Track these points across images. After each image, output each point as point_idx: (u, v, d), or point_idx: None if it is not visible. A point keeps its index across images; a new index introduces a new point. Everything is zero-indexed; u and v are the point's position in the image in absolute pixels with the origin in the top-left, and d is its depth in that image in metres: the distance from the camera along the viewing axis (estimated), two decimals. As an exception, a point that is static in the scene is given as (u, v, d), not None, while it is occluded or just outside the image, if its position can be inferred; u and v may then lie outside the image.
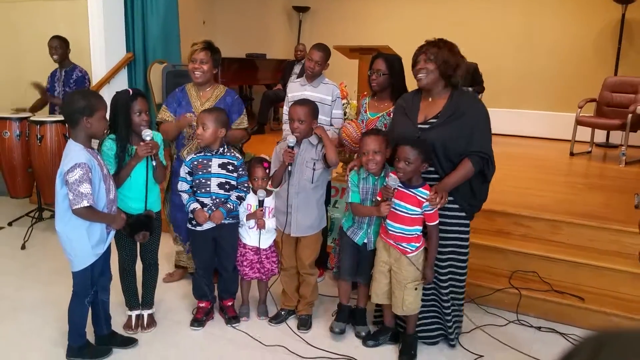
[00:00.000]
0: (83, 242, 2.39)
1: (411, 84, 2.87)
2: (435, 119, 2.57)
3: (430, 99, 2.62)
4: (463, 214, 2.64)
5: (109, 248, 2.55)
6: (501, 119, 6.88)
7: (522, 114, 6.98)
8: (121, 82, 5.28)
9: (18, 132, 4.29)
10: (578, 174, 5.30)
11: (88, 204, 2.26)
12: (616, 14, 6.42)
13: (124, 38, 5.43)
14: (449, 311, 2.72)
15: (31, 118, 4.32)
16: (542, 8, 7.05)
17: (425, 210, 2.50)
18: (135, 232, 2.67)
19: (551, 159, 5.76)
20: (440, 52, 2.50)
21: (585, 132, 5.86)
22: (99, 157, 2.45)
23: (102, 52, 5.24)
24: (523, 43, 7.17)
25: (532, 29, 7.11)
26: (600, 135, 6.27)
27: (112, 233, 2.55)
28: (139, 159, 2.62)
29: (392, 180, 2.47)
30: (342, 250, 2.88)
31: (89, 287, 2.51)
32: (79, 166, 2.26)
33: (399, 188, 2.50)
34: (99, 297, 2.62)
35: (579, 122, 5.69)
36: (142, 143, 2.60)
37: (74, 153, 2.31)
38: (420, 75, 2.56)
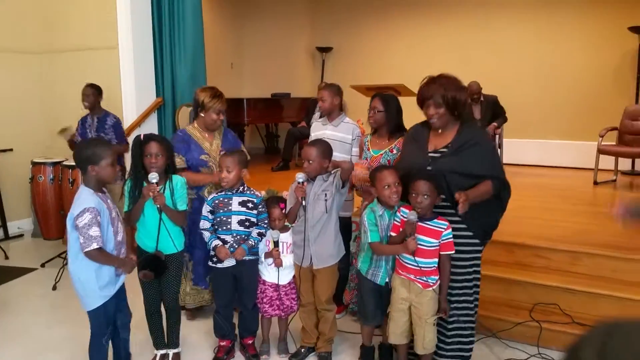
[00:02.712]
0: (92, 283, 2.48)
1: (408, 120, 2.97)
2: (445, 149, 2.61)
3: (439, 131, 2.67)
4: (477, 240, 2.65)
5: (122, 287, 2.64)
6: (524, 149, 6.91)
7: (544, 144, 6.97)
8: (151, 126, 5.51)
9: (52, 176, 4.52)
10: (601, 203, 5.25)
11: (98, 246, 2.37)
12: (633, 43, 6.46)
13: (154, 84, 5.68)
14: (450, 344, 2.70)
15: (64, 163, 4.55)
16: (561, 40, 7.13)
17: (442, 241, 2.54)
18: (140, 269, 2.76)
19: (574, 189, 5.72)
20: (447, 93, 2.53)
21: (610, 160, 5.82)
22: (108, 200, 2.56)
23: (132, 98, 5.49)
24: (543, 74, 7.24)
25: (552, 60, 7.18)
26: (625, 163, 6.21)
27: (123, 277, 2.63)
28: (145, 199, 2.75)
29: (412, 214, 2.49)
30: (364, 295, 2.88)
31: (104, 326, 2.59)
32: (88, 210, 2.37)
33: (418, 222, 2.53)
34: (120, 335, 2.70)
35: (600, 150, 5.67)
36: (145, 186, 2.74)
37: (83, 198, 2.43)
38: (432, 120, 2.61)
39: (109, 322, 2.63)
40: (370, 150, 3.24)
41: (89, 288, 2.50)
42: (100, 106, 4.80)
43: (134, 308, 2.85)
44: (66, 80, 5.85)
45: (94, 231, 2.37)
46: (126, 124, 5.31)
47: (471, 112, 6.35)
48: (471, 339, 2.76)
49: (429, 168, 2.59)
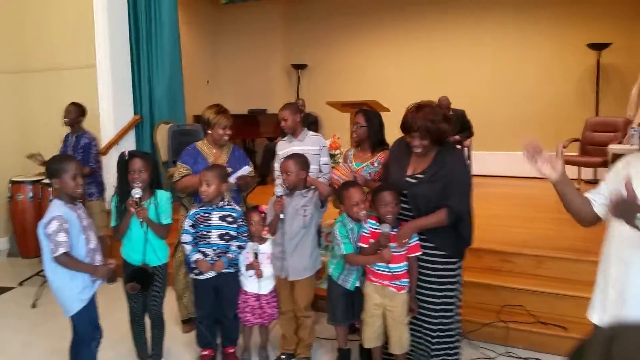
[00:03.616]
0: (67, 289, 2.63)
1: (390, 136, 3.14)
2: (422, 175, 2.74)
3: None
4: (447, 253, 2.76)
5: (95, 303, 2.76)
6: (490, 161, 7.19)
7: (510, 156, 7.26)
8: (129, 143, 5.57)
9: (31, 195, 4.55)
10: (563, 210, 5.47)
11: (64, 251, 2.51)
12: (592, 59, 6.84)
13: (132, 101, 5.76)
14: (437, 350, 2.81)
15: (43, 181, 4.60)
16: (525, 57, 7.49)
17: (409, 244, 2.71)
18: (127, 282, 2.88)
19: (539, 197, 5.95)
20: (433, 126, 2.63)
21: (573, 170, 6.10)
22: (79, 210, 2.70)
23: (110, 116, 5.55)
24: (509, 89, 7.57)
25: (517, 76, 7.51)
26: (587, 173, 6.50)
27: (98, 283, 2.74)
28: (131, 213, 2.87)
29: (385, 227, 2.64)
30: (334, 298, 3.03)
31: (90, 330, 2.72)
32: (55, 218, 2.53)
33: (394, 232, 2.67)
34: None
35: (564, 161, 5.94)
36: (129, 201, 2.85)
37: (53, 208, 2.61)
38: (416, 150, 2.72)
39: (95, 327, 2.74)
40: (353, 163, 3.41)
41: (65, 293, 2.64)
42: (80, 125, 4.80)
43: (116, 322, 2.94)
44: (43, 99, 5.89)
45: (61, 237, 2.51)
46: (104, 141, 5.37)
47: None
48: (457, 344, 2.87)
49: (405, 192, 2.74)
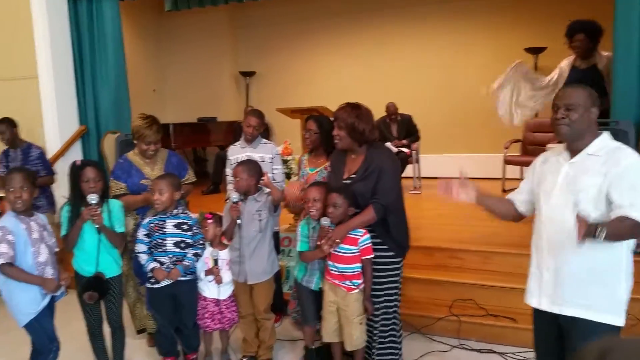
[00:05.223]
0: (14, 300, 2.64)
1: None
2: (355, 175, 2.88)
3: (353, 156, 2.94)
4: (392, 253, 2.89)
5: (50, 313, 2.75)
6: (436, 163, 7.40)
7: (454, 158, 7.52)
8: (75, 154, 5.46)
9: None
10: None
11: (4, 262, 2.51)
12: (529, 62, 7.17)
13: (77, 112, 5.65)
14: (380, 343, 2.93)
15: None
16: (465, 62, 7.77)
17: (361, 246, 2.80)
18: (83, 292, 2.85)
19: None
20: (348, 119, 2.80)
21: (515, 169, 6.38)
22: (32, 222, 2.68)
23: (55, 127, 5.43)
24: (453, 93, 7.82)
25: (459, 80, 7.77)
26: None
27: (49, 297, 2.71)
28: (84, 221, 2.83)
29: (324, 220, 2.77)
30: (303, 300, 3.10)
31: (46, 341, 2.70)
32: None
33: (331, 226, 2.79)
34: None
35: (506, 161, 6.23)
36: (85, 208, 2.82)
37: (1, 219, 2.64)
38: (335, 140, 2.90)
39: (50, 338, 2.72)
40: (307, 168, 3.47)
41: (13, 305, 2.65)
42: (20, 138, 4.69)
43: (74, 334, 2.89)
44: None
45: (2, 248, 2.52)
46: (50, 153, 5.24)
47: (389, 131, 6.81)
48: (397, 338, 2.99)
49: None
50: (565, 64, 4.70)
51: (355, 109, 2.85)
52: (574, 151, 2.09)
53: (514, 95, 4.96)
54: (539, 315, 2.23)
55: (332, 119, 2.98)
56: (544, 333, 2.26)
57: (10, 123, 4.61)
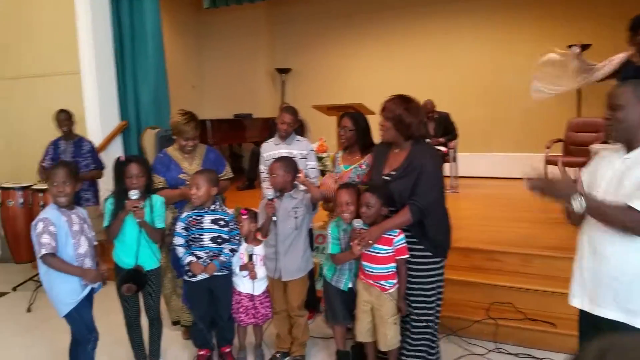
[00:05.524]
0: (55, 290, 2.70)
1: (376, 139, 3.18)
2: (395, 172, 2.81)
3: (396, 150, 2.86)
4: (429, 253, 2.80)
5: (89, 304, 2.80)
6: (475, 163, 7.29)
7: (494, 157, 7.37)
8: (117, 149, 5.58)
9: (21, 201, 4.57)
10: (548, 209, 5.59)
11: (46, 252, 2.56)
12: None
13: (118, 107, 5.78)
14: (412, 345, 2.86)
15: (33, 187, 4.60)
16: (508, 60, 7.59)
17: (396, 246, 2.76)
18: (122, 284, 2.90)
19: (522, 198, 6.07)
20: (396, 110, 2.75)
21: (557, 170, 6.21)
22: (72, 215, 2.73)
23: (97, 122, 5.55)
24: (492, 92, 7.68)
25: (499, 78, 7.62)
26: (571, 172, 6.62)
27: (88, 288, 2.76)
28: (126, 213, 2.90)
29: (356, 222, 2.74)
30: (330, 298, 3.07)
31: (85, 332, 2.76)
32: (41, 220, 2.61)
33: (364, 227, 2.74)
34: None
35: (548, 161, 6.06)
36: (127, 201, 2.88)
37: (44, 211, 2.70)
38: (380, 131, 2.85)
39: (89, 329, 2.78)
40: (341, 165, 3.45)
41: (53, 294, 2.71)
42: (74, 132, 4.81)
43: (112, 326, 2.95)
44: (27, 106, 5.87)
45: (45, 238, 2.57)
46: (92, 147, 5.38)
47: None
48: (435, 340, 2.93)
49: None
50: (620, 56, 4.49)
51: (405, 102, 2.78)
52: (630, 148, 1.99)
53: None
54: (584, 317, 2.15)
55: (381, 109, 2.86)
56: (588, 337, 2.18)
57: (69, 113, 4.74)
